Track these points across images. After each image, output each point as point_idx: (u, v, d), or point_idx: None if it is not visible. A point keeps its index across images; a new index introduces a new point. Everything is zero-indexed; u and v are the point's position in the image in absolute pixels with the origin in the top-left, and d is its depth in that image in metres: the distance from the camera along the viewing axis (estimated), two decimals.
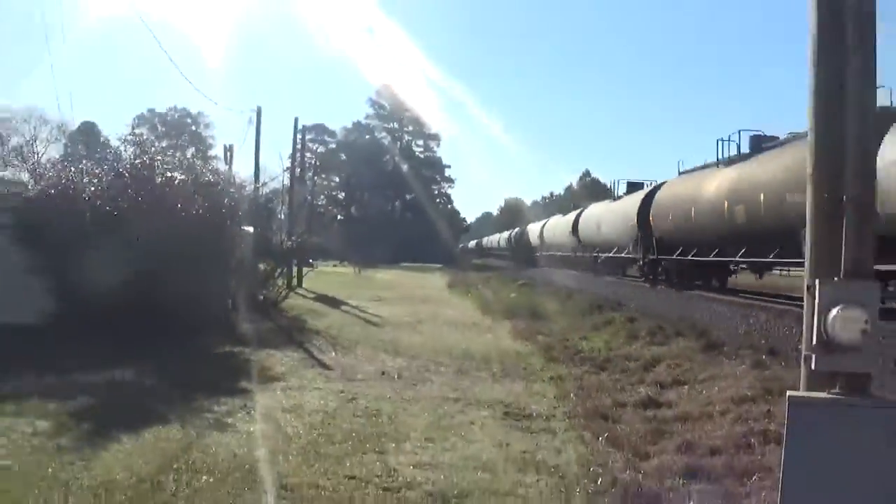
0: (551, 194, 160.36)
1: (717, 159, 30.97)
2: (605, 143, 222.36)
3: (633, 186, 47.43)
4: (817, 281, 4.46)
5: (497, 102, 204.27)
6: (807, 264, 4.82)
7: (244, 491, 7.69)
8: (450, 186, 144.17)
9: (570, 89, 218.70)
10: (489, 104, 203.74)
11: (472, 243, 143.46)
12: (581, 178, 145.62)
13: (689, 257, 30.73)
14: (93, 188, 19.48)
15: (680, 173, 36.66)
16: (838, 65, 4.66)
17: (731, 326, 20.18)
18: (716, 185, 28.62)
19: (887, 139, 17.11)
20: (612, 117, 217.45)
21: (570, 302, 29.53)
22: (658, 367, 15.28)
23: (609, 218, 45.36)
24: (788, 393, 4.54)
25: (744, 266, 29.56)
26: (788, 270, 28.48)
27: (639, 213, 37.74)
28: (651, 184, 42.00)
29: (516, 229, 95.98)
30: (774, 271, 29.83)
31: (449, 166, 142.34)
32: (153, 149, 25.67)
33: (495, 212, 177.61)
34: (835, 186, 4.60)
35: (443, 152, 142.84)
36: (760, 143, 27.74)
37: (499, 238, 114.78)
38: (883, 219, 19.14)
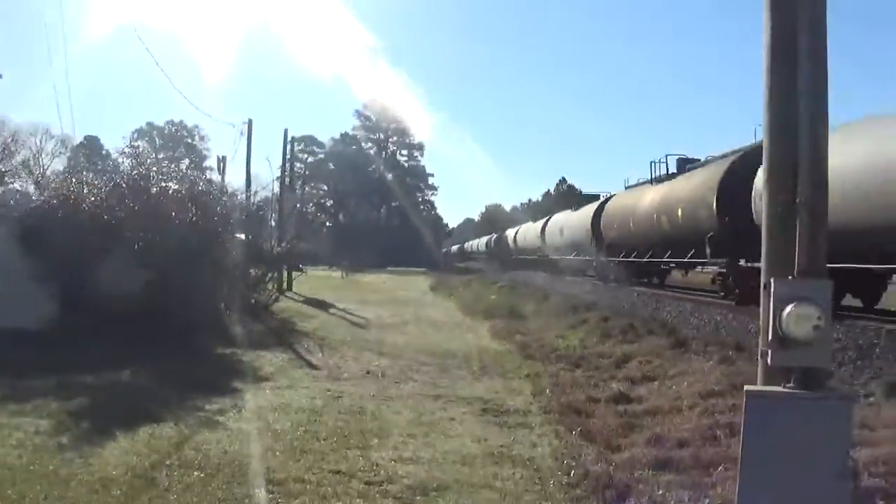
0: (529, 200, 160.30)
1: (651, 178, 37.47)
2: (581, 151, 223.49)
3: (590, 198, 55.18)
4: (772, 279, 4.46)
5: (479, 112, 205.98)
6: (763, 264, 4.82)
7: (233, 485, 7.64)
8: (433, 193, 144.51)
9: (549, 100, 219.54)
10: (471, 114, 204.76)
11: (455, 248, 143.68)
12: (557, 186, 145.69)
13: (631, 259, 36.63)
14: (92, 198, 19.46)
15: (626, 188, 42.96)
16: (791, 73, 4.65)
17: (700, 323, 20.33)
18: (649, 199, 34.61)
19: (761, 171, 19.15)
20: (588, 127, 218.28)
21: (547, 303, 29.51)
22: (630, 363, 15.25)
23: (570, 225, 51.54)
24: (746, 387, 4.55)
25: (673, 265, 34.66)
26: (706, 268, 31.85)
27: (592, 222, 44.50)
28: (605, 195, 48.31)
29: (494, 235, 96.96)
30: (697, 269, 33.92)
31: (432, 174, 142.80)
32: (149, 160, 25.63)
33: (477, 217, 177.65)
34: (789, 190, 4.59)
35: (426, 161, 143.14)
36: (685, 165, 34.50)
37: (478, 243, 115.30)
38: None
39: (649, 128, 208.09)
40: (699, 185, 28.42)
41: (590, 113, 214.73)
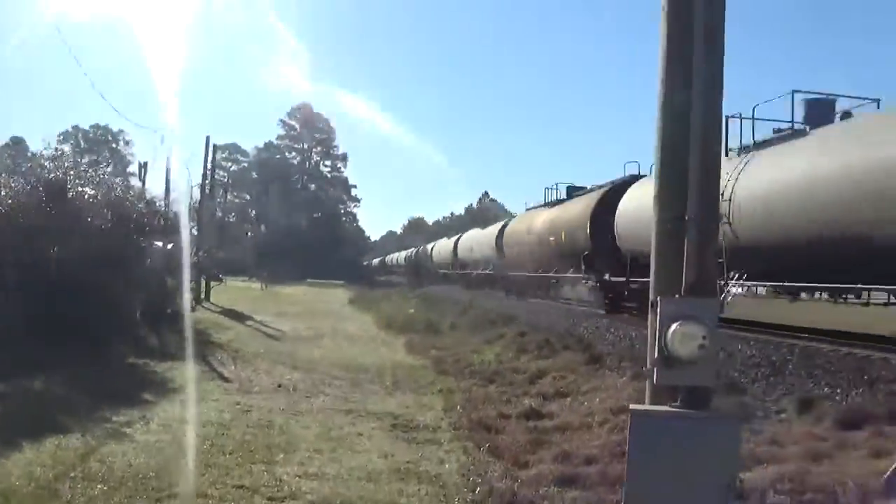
0: (452, 214, 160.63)
1: (545, 201, 42.42)
2: (505, 165, 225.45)
3: (501, 216, 63.10)
4: (659, 297, 4.51)
5: (405, 125, 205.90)
6: (651, 281, 4.89)
7: (135, 499, 7.56)
8: (356, 205, 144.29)
9: (475, 114, 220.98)
10: (397, 126, 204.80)
11: (377, 261, 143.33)
12: (480, 200, 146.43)
13: (527, 273, 40.77)
14: (10, 200, 19.11)
15: (526, 210, 47.46)
16: (686, 87, 4.70)
17: (615, 339, 20.55)
18: (541, 221, 39.22)
19: (624, 197, 26.29)
20: (513, 141, 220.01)
21: (465, 317, 29.71)
22: (544, 379, 15.33)
23: (479, 242, 56.84)
24: (631, 406, 4.61)
25: (560, 279, 37.35)
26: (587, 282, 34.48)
27: (496, 240, 49.29)
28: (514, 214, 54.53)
29: (414, 249, 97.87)
30: (582, 282, 35.60)
31: (355, 186, 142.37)
32: (66, 164, 25.21)
33: (399, 230, 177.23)
34: (678, 206, 4.65)
35: (349, 172, 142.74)
36: (572, 192, 38.80)
37: (398, 256, 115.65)
38: (624, 252, 25.20)
39: (570, 148, 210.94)
40: (579, 211, 32.78)
41: (515, 129, 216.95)
